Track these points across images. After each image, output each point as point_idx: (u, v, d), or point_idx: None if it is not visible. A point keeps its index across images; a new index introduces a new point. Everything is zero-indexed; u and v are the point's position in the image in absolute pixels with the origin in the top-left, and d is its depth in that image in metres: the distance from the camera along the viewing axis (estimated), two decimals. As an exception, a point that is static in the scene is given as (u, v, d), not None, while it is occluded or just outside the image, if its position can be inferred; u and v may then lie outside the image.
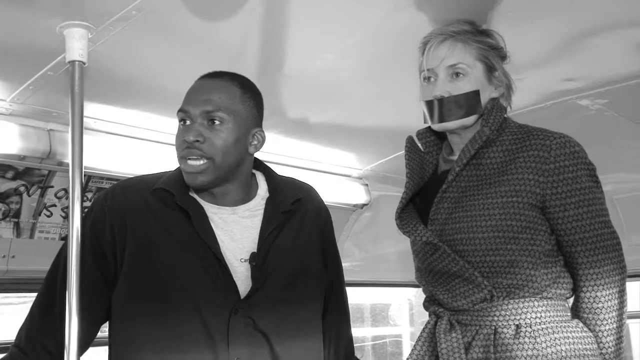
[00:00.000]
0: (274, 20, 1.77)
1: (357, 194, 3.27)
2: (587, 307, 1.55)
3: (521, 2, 1.71)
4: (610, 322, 1.55)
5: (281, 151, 2.73)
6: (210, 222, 1.59)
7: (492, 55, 1.63)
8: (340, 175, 3.18)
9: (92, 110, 2.13)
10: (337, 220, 3.36)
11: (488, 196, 1.54)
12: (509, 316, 1.52)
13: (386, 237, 3.53)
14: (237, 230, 1.62)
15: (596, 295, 1.54)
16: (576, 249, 1.54)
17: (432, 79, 1.62)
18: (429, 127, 1.70)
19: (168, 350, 1.50)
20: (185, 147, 1.59)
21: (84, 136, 1.66)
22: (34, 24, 1.64)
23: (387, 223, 3.47)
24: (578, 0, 1.72)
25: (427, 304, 1.71)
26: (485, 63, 1.61)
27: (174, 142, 2.42)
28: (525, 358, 1.47)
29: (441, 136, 1.74)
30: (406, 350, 4.96)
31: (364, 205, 3.34)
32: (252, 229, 1.63)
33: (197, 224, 1.57)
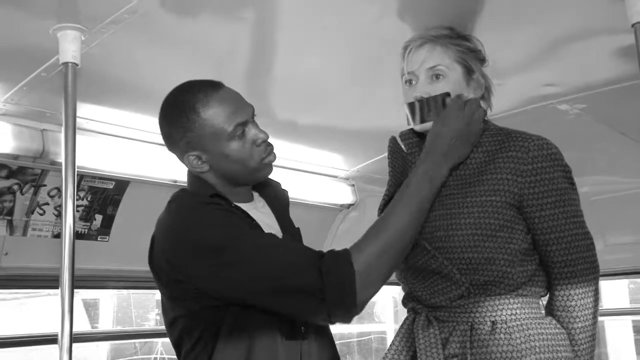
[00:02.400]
0: (263, 24, 1.77)
1: (344, 195, 3.27)
2: (560, 305, 1.56)
3: (503, 9, 1.72)
4: (583, 320, 1.56)
5: (270, 152, 2.73)
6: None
7: (470, 58, 1.63)
8: (328, 176, 3.19)
9: (85, 110, 2.12)
10: (325, 220, 3.40)
11: (467, 195, 1.55)
12: (485, 313, 1.52)
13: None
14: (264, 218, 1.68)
15: (570, 294, 1.55)
16: (551, 247, 1.54)
17: (413, 82, 1.62)
18: (412, 128, 1.70)
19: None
20: (267, 146, 1.64)
21: (77, 136, 1.66)
22: (28, 26, 1.63)
23: (371, 220, 3.50)
24: (558, 9, 1.72)
25: (405, 301, 1.71)
26: (463, 65, 1.61)
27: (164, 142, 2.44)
28: (501, 353, 1.47)
29: (423, 137, 1.71)
30: (390, 346, 4.98)
31: (350, 205, 3.35)
32: (269, 216, 1.71)
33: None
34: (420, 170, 1.54)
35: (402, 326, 1.66)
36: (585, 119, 2.41)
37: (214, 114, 1.56)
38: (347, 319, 1.47)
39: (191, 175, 1.68)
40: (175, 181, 2.53)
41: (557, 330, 1.55)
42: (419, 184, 1.52)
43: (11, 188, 2.24)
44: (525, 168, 1.51)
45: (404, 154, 1.74)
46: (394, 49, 1.74)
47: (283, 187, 1.83)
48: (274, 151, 1.67)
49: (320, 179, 3.14)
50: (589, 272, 1.55)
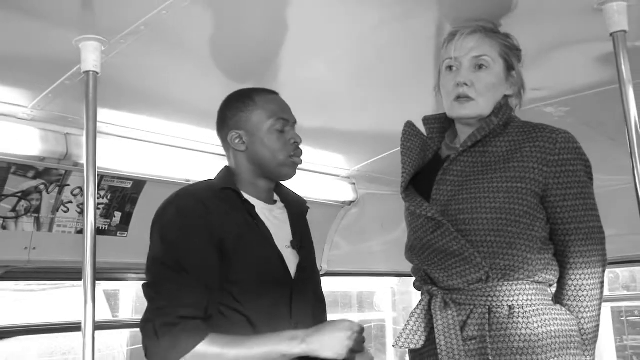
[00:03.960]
0: (269, 33, 1.77)
1: (345, 192, 3.27)
2: (572, 295, 1.53)
3: (492, 19, 1.72)
4: (591, 310, 1.53)
5: (276, 153, 2.73)
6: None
7: (512, 55, 1.61)
8: (330, 175, 3.19)
9: (105, 115, 2.12)
10: (327, 216, 3.40)
11: (493, 180, 1.50)
12: (502, 297, 1.47)
13: (371, 231, 3.54)
14: (276, 223, 1.73)
15: (582, 284, 1.52)
16: (570, 237, 1.51)
17: (454, 68, 1.58)
18: (437, 115, 1.69)
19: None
20: (297, 148, 1.74)
21: (97, 139, 1.66)
22: (53, 38, 1.63)
23: (372, 218, 3.50)
24: (543, 19, 1.73)
25: (419, 283, 1.65)
26: (505, 60, 1.59)
27: (178, 144, 2.44)
28: (519, 336, 1.43)
29: (446, 124, 1.71)
30: (389, 333, 4.97)
31: (351, 202, 3.35)
32: (284, 223, 1.76)
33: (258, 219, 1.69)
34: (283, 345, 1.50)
35: (417, 307, 1.59)
36: (569, 120, 2.41)
37: (264, 104, 1.72)
38: None
39: (223, 170, 1.77)
40: (188, 180, 2.52)
41: (569, 317, 1.52)
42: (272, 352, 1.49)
43: (38, 188, 2.24)
44: (552, 158, 1.48)
45: (423, 137, 1.70)
46: (394, 54, 1.75)
47: (300, 195, 1.90)
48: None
49: (323, 177, 3.14)
50: (600, 264, 1.53)
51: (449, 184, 1.56)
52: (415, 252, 1.61)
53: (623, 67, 1.56)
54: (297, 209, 1.83)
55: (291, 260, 1.69)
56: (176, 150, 2.45)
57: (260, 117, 1.71)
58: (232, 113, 1.75)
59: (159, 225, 1.62)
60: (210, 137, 2.46)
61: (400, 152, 1.68)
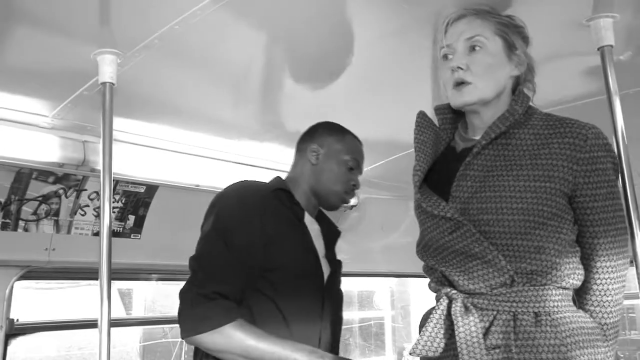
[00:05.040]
0: (274, 47, 1.78)
1: (346, 197, 3.27)
2: (595, 300, 1.37)
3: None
4: (615, 315, 1.38)
5: (281, 160, 2.73)
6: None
7: (512, 32, 1.42)
8: (332, 181, 3.18)
9: (120, 124, 2.13)
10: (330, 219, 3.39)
11: (519, 179, 1.31)
12: (528, 303, 1.28)
13: (372, 233, 3.54)
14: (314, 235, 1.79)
15: (607, 289, 1.36)
16: (599, 240, 1.35)
17: (449, 56, 1.42)
18: (448, 103, 1.49)
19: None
20: (354, 190, 1.87)
21: (113, 146, 1.67)
22: (72, 51, 1.64)
23: (372, 222, 3.50)
24: (534, 33, 1.73)
25: (435, 285, 1.44)
26: (504, 39, 1.41)
27: (189, 151, 2.45)
28: (548, 347, 1.25)
29: (458, 114, 1.52)
30: (388, 330, 4.96)
31: (353, 206, 3.35)
32: (317, 238, 1.81)
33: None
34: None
35: (435, 312, 1.37)
36: (559, 130, 2.40)
37: (350, 142, 1.86)
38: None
39: (276, 178, 1.83)
40: (198, 185, 2.53)
41: (594, 324, 1.36)
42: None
43: (57, 192, 2.25)
44: (582, 156, 1.31)
45: (436, 129, 1.52)
46: (394, 65, 1.75)
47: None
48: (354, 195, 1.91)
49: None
50: (625, 267, 1.38)
51: (469, 179, 1.36)
52: (429, 251, 1.41)
53: (610, 79, 1.55)
54: (331, 233, 1.90)
55: (325, 269, 1.74)
56: (187, 157, 2.46)
57: (342, 148, 1.83)
58: (323, 131, 1.86)
59: (218, 208, 1.66)
60: (218, 144, 2.47)
61: (414, 146, 1.49)
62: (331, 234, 1.89)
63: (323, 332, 1.66)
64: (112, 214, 1.61)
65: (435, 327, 1.35)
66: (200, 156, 2.49)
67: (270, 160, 2.69)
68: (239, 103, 2.14)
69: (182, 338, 1.54)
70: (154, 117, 2.18)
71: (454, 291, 1.35)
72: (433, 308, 1.40)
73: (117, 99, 1.67)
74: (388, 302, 5.25)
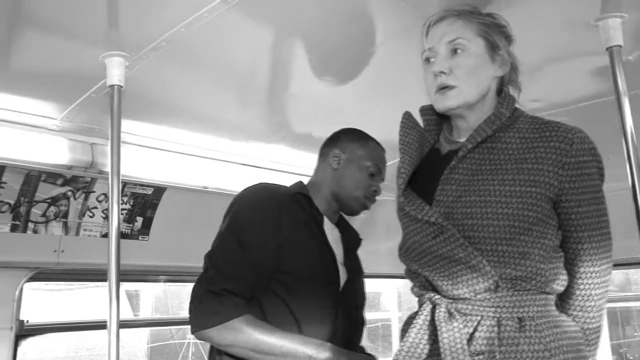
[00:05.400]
0: (280, 48, 1.78)
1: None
2: (578, 305, 1.36)
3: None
4: (597, 320, 1.38)
5: (288, 161, 2.74)
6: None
7: (495, 33, 1.38)
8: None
9: (128, 126, 2.14)
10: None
11: (505, 183, 1.28)
12: (512, 308, 1.26)
13: (378, 235, 3.53)
14: (333, 241, 1.78)
15: (591, 294, 1.35)
16: (583, 246, 1.33)
17: (432, 59, 1.39)
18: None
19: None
20: (374, 196, 1.88)
21: (121, 148, 1.67)
22: (80, 54, 1.65)
23: (378, 223, 3.49)
24: (542, 34, 1.73)
25: (418, 290, 1.40)
26: (486, 39, 1.37)
27: (196, 153, 2.45)
28: (532, 352, 1.22)
29: (443, 115, 1.47)
30: (395, 331, 4.94)
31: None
32: (337, 244, 1.80)
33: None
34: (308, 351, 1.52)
35: (418, 317, 1.34)
36: (566, 130, 2.39)
37: (373, 149, 1.87)
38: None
39: (298, 182, 1.82)
40: (206, 187, 2.54)
41: (577, 329, 1.35)
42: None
43: (66, 194, 2.25)
44: (568, 160, 1.28)
45: (421, 130, 1.49)
46: (397, 67, 1.74)
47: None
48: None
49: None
50: (608, 272, 1.37)
51: (454, 183, 1.33)
52: (412, 255, 1.37)
53: (619, 80, 1.54)
54: (352, 240, 1.90)
55: (342, 275, 1.74)
56: (194, 159, 2.46)
57: (364, 154, 1.83)
58: (346, 137, 1.87)
59: (236, 208, 1.68)
60: (226, 146, 2.47)
61: (399, 148, 1.45)
62: (352, 241, 1.89)
63: (335, 337, 1.65)
64: (120, 215, 1.61)
65: (419, 333, 1.32)
66: (208, 158, 2.50)
67: (277, 162, 2.69)
68: (246, 105, 2.14)
69: (192, 333, 1.56)
70: (162, 119, 2.19)
71: (438, 296, 1.33)
72: (416, 313, 1.37)
73: (124, 102, 1.67)
74: (395, 304, 5.23)
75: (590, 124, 2.37)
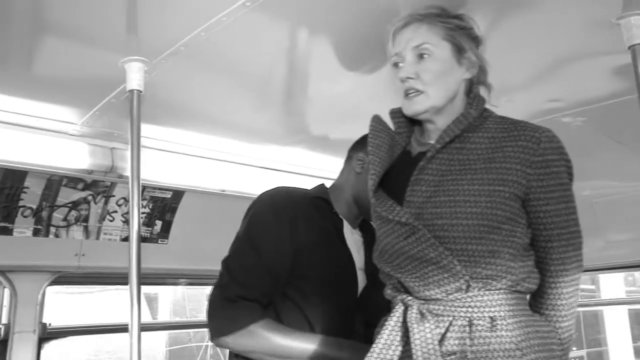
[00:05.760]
0: (297, 51, 1.77)
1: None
2: (550, 304, 1.36)
3: (511, 33, 1.70)
4: (569, 319, 1.37)
5: (306, 163, 2.73)
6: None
7: (460, 35, 1.38)
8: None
9: (147, 130, 2.15)
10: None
11: (473, 183, 1.28)
12: (484, 308, 1.26)
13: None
14: (354, 245, 1.76)
15: (561, 292, 1.35)
16: (552, 244, 1.33)
17: (400, 64, 1.40)
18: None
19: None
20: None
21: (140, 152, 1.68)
22: (100, 60, 1.66)
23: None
24: (562, 32, 1.70)
25: (391, 292, 1.39)
26: (452, 43, 1.37)
27: (215, 157, 2.46)
28: (504, 352, 1.22)
29: (415, 120, 1.48)
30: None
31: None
32: (359, 249, 1.78)
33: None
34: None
35: (390, 319, 1.34)
36: (587, 130, 2.36)
37: None
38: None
39: (320, 185, 1.82)
40: (224, 190, 2.54)
41: (549, 328, 1.35)
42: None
43: (86, 198, 2.27)
44: (535, 160, 1.29)
45: (391, 133, 1.49)
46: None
47: None
48: None
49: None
50: (578, 270, 1.37)
51: (424, 184, 1.33)
52: (385, 258, 1.37)
53: (642, 78, 1.51)
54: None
55: (360, 281, 1.72)
56: (212, 162, 2.47)
57: None
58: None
59: (252, 212, 1.67)
60: (244, 149, 2.47)
61: (369, 150, 1.46)
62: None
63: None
64: (140, 219, 1.61)
65: (391, 335, 1.32)
66: (226, 161, 2.51)
67: (295, 165, 2.69)
68: (263, 108, 2.14)
69: (211, 341, 1.56)
70: (180, 123, 2.20)
71: (410, 297, 1.33)
72: (389, 315, 1.37)
73: (143, 106, 1.67)
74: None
75: (611, 123, 2.36)
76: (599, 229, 3.14)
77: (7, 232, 2.14)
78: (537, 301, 1.38)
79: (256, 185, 2.57)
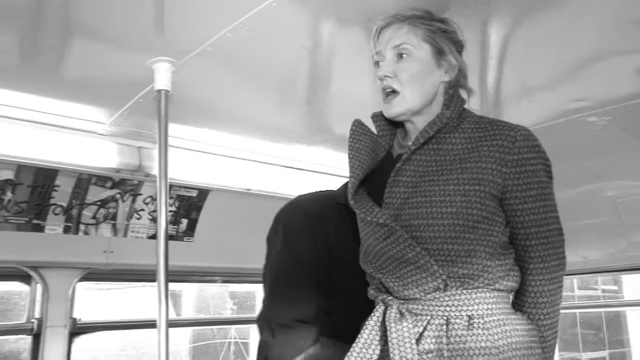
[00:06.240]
0: (321, 52, 1.77)
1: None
2: (532, 302, 1.34)
3: (535, 32, 1.68)
4: (552, 317, 1.35)
5: (329, 163, 2.73)
6: None
7: (440, 38, 1.37)
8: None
9: (173, 129, 2.16)
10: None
11: (449, 183, 1.28)
12: (461, 307, 1.26)
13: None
14: None
15: (543, 290, 1.33)
16: (530, 242, 1.32)
17: (380, 63, 1.40)
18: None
19: None
20: None
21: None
22: (129, 61, 1.67)
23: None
24: (586, 32, 1.68)
25: (373, 292, 1.41)
26: (432, 45, 1.36)
27: (240, 156, 2.47)
28: (479, 350, 1.22)
29: (394, 121, 1.47)
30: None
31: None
32: None
33: None
34: None
35: (370, 318, 1.35)
36: (612, 129, 2.33)
37: None
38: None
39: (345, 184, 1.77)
40: (249, 189, 2.55)
41: (530, 327, 1.33)
42: None
43: (114, 197, 2.29)
44: (511, 158, 1.28)
45: (373, 136, 1.48)
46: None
47: None
48: None
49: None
50: (560, 268, 1.35)
51: (401, 185, 1.34)
52: (368, 259, 1.38)
53: (668, 77, 1.48)
54: None
55: None
56: (237, 161, 2.48)
57: None
58: None
59: (283, 224, 1.66)
60: (269, 149, 2.48)
61: (348, 154, 1.46)
62: None
63: None
64: (167, 218, 1.62)
65: (371, 334, 1.33)
66: (251, 160, 2.51)
67: (319, 164, 2.69)
68: (287, 107, 2.14)
69: None
70: (206, 123, 2.21)
71: (390, 297, 1.33)
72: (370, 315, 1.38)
73: (170, 106, 1.68)
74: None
75: (635, 122, 2.32)
76: (622, 230, 3.08)
77: (39, 229, 2.17)
78: (519, 299, 1.37)
79: (281, 184, 2.57)
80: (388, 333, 1.27)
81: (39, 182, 2.10)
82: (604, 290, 10.24)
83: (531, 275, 1.34)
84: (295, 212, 1.66)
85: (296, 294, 1.55)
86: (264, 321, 1.56)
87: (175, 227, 2.56)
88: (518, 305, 1.37)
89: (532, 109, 2.20)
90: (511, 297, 1.37)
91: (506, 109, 2.20)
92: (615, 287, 9.94)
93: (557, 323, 1.37)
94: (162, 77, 1.64)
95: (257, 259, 2.49)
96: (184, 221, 2.58)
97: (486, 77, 1.92)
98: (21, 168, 2.05)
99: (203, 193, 2.56)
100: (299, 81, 1.96)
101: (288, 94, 2.03)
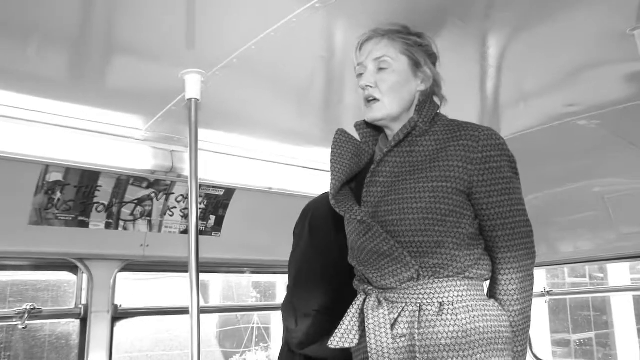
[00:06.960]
0: (336, 62, 1.76)
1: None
2: (502, 289, 1.33)
3: (530, 42, 1.65)
4: (521, 302, 1.34)
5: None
6: None
7: (417, 51, 1.38)
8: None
9: (202, 134, 2.15)
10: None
11: (419, 180, 1.29)
12: (433, 294, 1.26)
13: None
14: None
15: (511, 278, 1.32)
16: (497, 233, 1.31)
17: (362, 74, 1.40)
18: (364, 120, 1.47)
19: None
20: None
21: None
22: (162, 73, 1.68)
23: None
24: (578, 42, 1.65)
25: (357, 283, 1.42)
26: (410, 57, 1.37)
27: (262, 157, 2.46)
28: (447, 333, 1.23)
29: (376, 128, 1.48)
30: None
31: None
32: None
33: None
34: None
35: (352, 307, 1.37)
36: (600, 132, 2.29)
37: None
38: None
39: None
40: (271, 188, 2.54)
41: (499, 312, 1.32)
42: None
43: (150, 196, 2.30)
44: (475, 156, 1.29)
45: (356, 143, 1.48)
46: (445, 80, 1.69)
47: None
48: None
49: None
50: (528, 257, 1.34)
51: (378, 185, 1.35)
52: (354, 254, 1.39)
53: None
54: None
55: None
56: (260, 163, 2.48)
57: None
58: None
59: (309, 219, 1.65)
60: (289, 151, 2.47)
61: (330, 160, 1.44)
62: None
63: None
64: (198, 214, 1.62)
65: (352, 321, 1.35)
66: (273, 162, 2.51)
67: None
68: (305, 113, 2.13)
69: (295, 350, 1.56)
70: (231, 128, 2.20)
71: (370, 287, 1.35)
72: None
73: (200, 113, 1.69)
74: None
75: (624, 125, 2.28)
76: (611, 222, 3.04)
77: (84, 225, 2.18)
78: (492, 287, 1.37)
79: (300, 183, 2.56)
80: (365, 319, 1.29)
81: (83, 182, 2.11)
82: (591, 277, 10.20)
83: (500, 264, 1.34)
84: (320, 207, 1.65)
85: (316, 287, 1.54)
86: (288, 306, 1.56)
87: (204, 223, 2.56)
88: (491, 292, 1.37)
89: (527, 113, 2.18)
90: (486, 285, 1.38)
91: (504, 113, 2.18)
92: (601, 275, 9.88)
93: (528, 309, 1.36)
94: (193, 87, 1.64)
95: (277, 251, 2.48)
96: (212, 217, 2.58)
97: (486, 85, 1.90)
98: (69, 170, 2.06)
99: (229, 192, 2.55)
100: (316, 89, 1.95)
101: (306, 101, 2.02)
